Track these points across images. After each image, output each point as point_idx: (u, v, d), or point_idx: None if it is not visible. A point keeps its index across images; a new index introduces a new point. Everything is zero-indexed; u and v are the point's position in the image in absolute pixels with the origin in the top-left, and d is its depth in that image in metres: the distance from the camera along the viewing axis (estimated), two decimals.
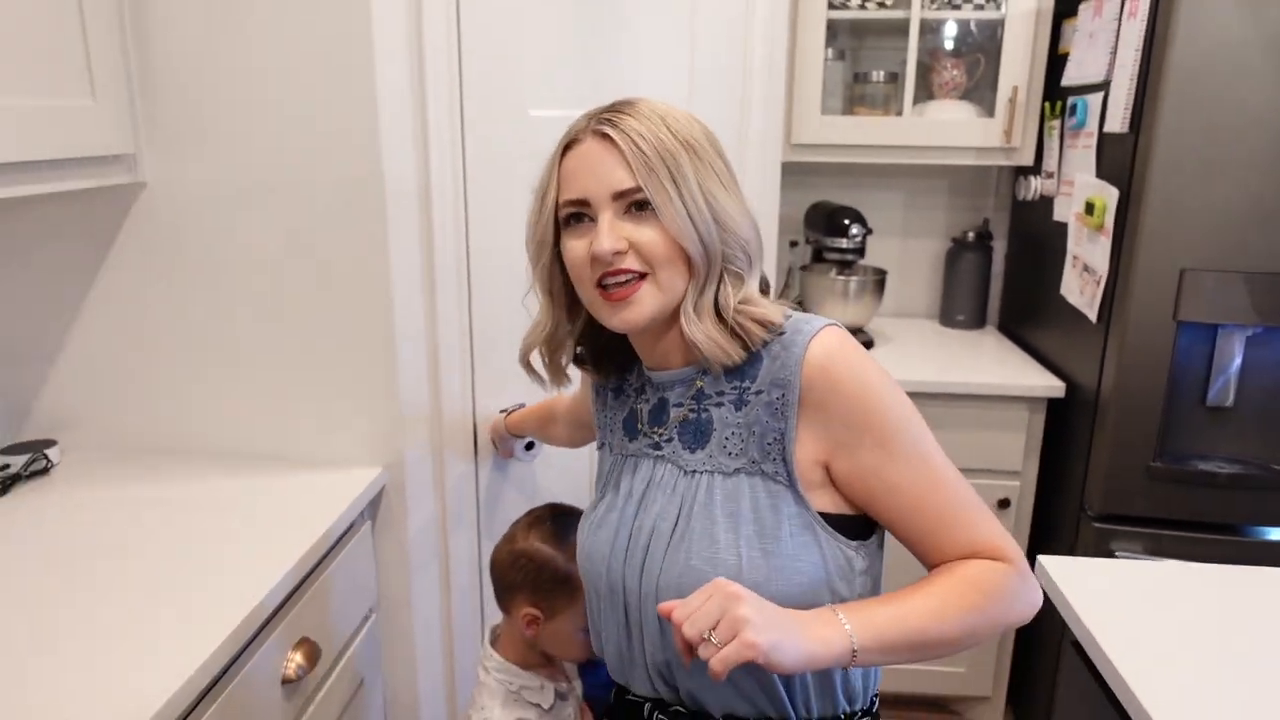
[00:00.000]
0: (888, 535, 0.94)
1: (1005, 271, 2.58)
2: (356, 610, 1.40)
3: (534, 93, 1.49)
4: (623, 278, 0.86)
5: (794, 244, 2.58)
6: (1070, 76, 2.02)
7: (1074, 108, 1.98)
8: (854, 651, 0.78)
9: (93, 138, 1.23)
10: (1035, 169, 2.26)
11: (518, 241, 1.41)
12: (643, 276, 0.86)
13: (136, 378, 1.45)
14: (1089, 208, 1.87)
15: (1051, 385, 2.03)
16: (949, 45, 2.37)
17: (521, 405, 1.51)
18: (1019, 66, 2.18)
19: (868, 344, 2.33)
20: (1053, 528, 2.08)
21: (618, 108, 0.88)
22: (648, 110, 0.87)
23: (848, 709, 0.94)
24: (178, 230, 1.38)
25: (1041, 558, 1.22)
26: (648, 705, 0.97)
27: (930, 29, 2.34)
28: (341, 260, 1.37)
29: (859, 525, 0.90)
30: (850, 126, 2.29)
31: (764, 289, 0.96)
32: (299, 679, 1.15)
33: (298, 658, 1.15)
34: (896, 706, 2.33)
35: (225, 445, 1.47)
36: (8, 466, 1.36)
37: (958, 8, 2.26)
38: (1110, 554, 1.81)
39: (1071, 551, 1.93)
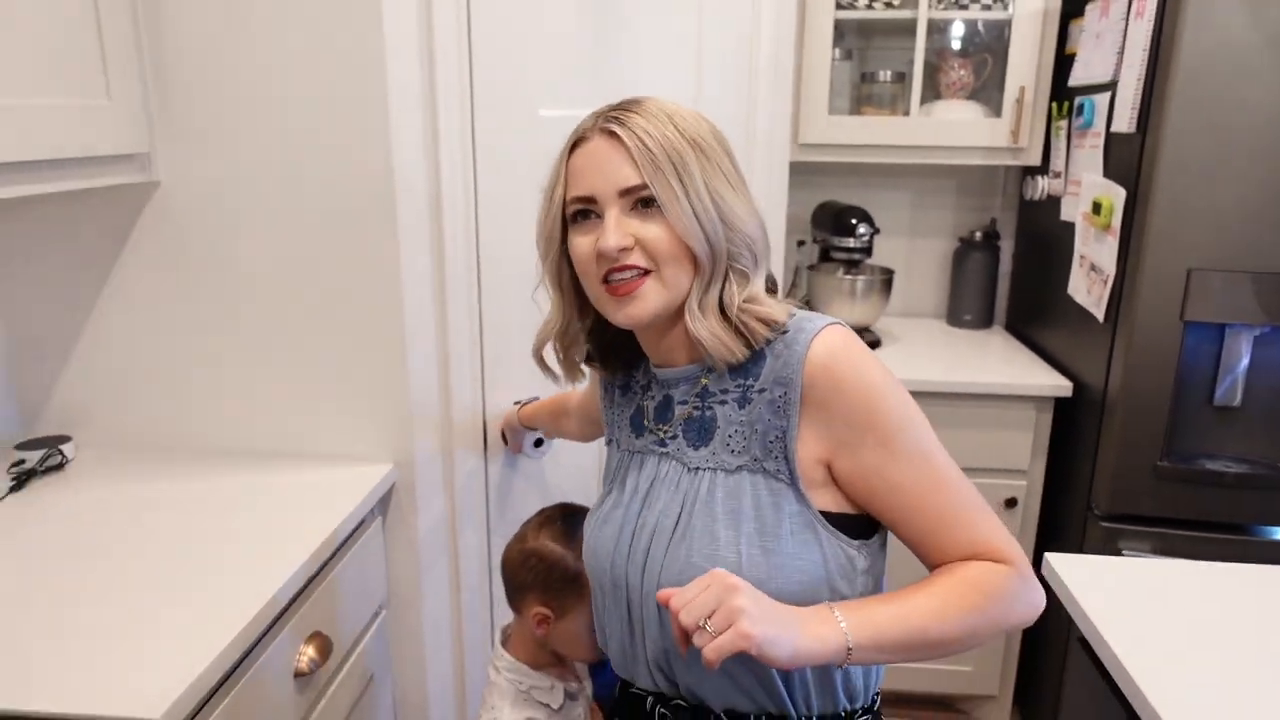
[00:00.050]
0: (891, 535, 0.94)
1: (1012, 271, 2.58)
2: (367, 606, 1.41)
3: (543, 94, 1.50)
4: (627, 274, 0.87)
5: (801, 243, 2.58)
6: (1077, 77, 2.02)
7: (1081, 108, 1.98)
8: (849, 650, 0.79)
9: (108, 137, 1.24)
10: (1042, 169, 2.26)
11: (527, 239, 1.42)
12: (647, 273, 0.87)
13: (150, 375, 1.47)
14: (1096, 207, 1.87)
15: (1059, 385, 2.03)
16: (956, 45, 2.38)
17: (536, 398, 1.52)
18: (1026, 67, 2.19)
19: (875, 343, 2.34)
20: (1060, 527, 2.08)
21: (625, 106, 0.89)
22: (655, 109, 0.88)
23: (848, 707, 0.94)
24: (190, 229, 1.39)
25: (1048, 555, 1.22)
26: (650, 699, 0.98)
27: (937, 29, 2.34)
28: (353, 258, 1.38)
29: (861, 524, 0.90)
30: (857, 126, 2.30)
31: (771, 288, 0.96)
32: (311, 672, 1.16)
33: (310, 651, 1.17)
34: (903, 705, 2.34)
35: (237, 442, 1.48)
36: (23, 462, 1.37)
37: (965, 8, 2.26)
38: (1117, 553, 1.82)
39: (1079, 551, 1.93)
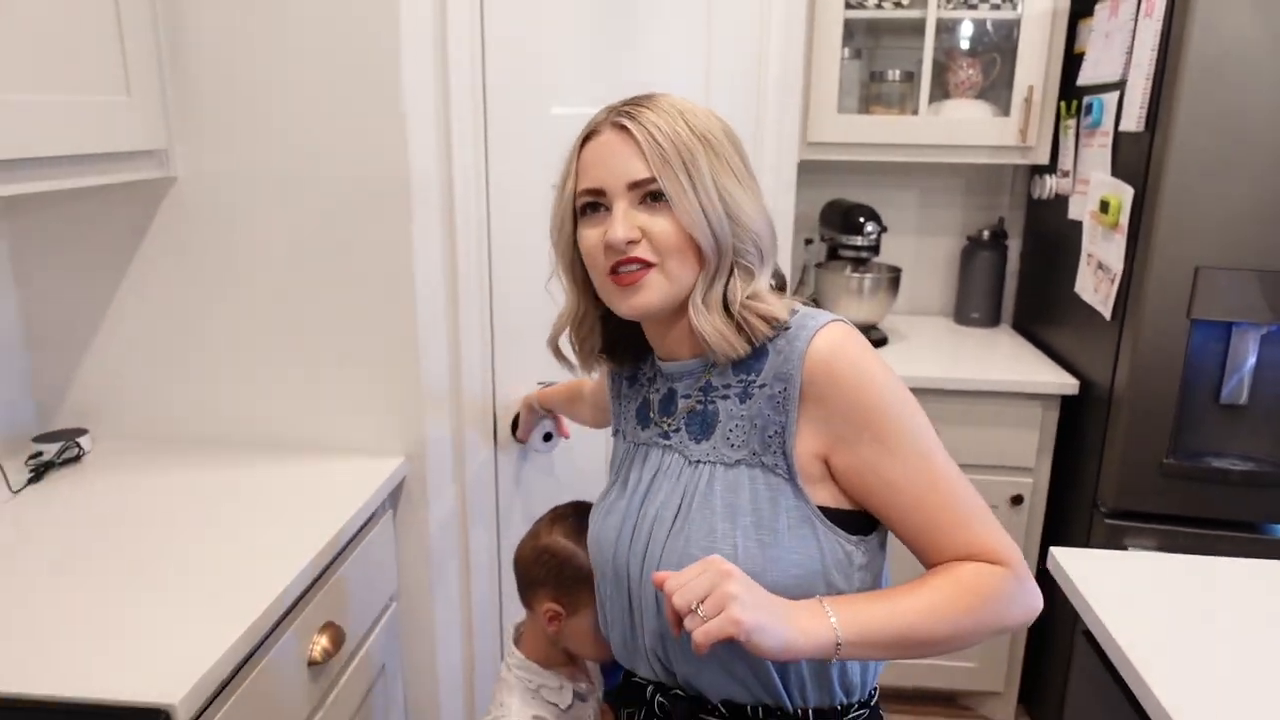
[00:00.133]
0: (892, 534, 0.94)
1: (1020, 270, 2.59)
2: (378, 598, 1.43)
3: (555, 92, 1.52)
4: (632, 266, 0.88)
5: (809, 242, 2.59)
6: (1086, 76, 2.03)
7: (1089, 107, 1.98)
8: (837, 645, 0.79)
9: (127, 133, 1.26)
10: (1050, 168, 2.27)
11: (539, 236, 1.43)
12: (651, 266, 0.88)
13: (165, 368, 1.49)
14: (1104, 206, 1.88)
15: (1065, 382, 2.04)
16: (965, 45, 2.38)
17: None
18: (1035, 66, 2.19)
19: (881, 341, 2.34)
20: (1066, 524, 2.09)
21: (637, 101, 0.90)
22: (666, 104, 0.89)
23: (845, 700, 0.94)
24: (207, 223, 1.41)
25: (1054, 549, 1.23)
26: (650, 688, 0.99)
27: (946, 28, 2.35)
28: (366, 253, 1.40)
29: (859, 520, 0.91)
30: (866, 125, 2.31)
31: (780, 285, 0.97)
32: (324, 662, 1.18)
33: (323, 641, 1.18)
34: (907, 701, 2.35)
35: (251, 435, 1.50)
36: (41, 454, 1.39)
37: (974, 7, 2.27)
38: (1123, 550, 1.82)
39: (1084, 547, 1.94)
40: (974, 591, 0.85)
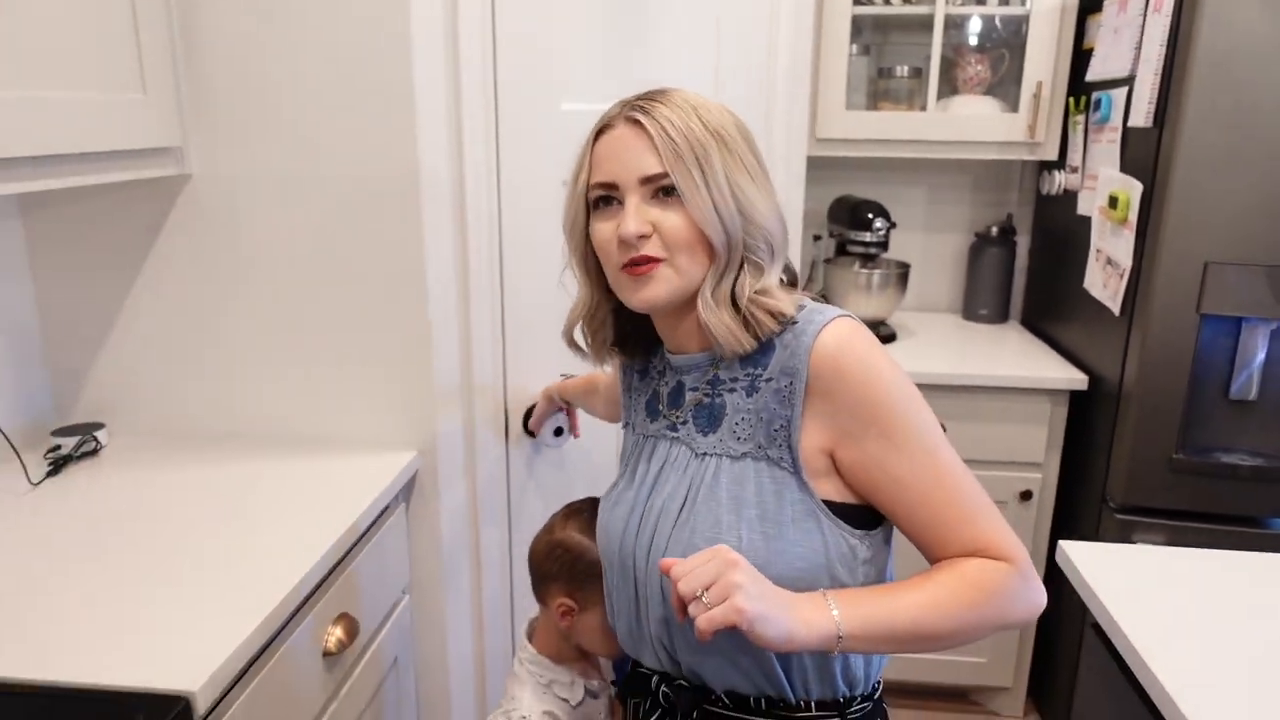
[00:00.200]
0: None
1: (1029, 266, 2.59)
2: (391, 590, 1.44)
3: (565, 87, 1.53)
4: (644, 261, 0.89)
5: (818, 238, 2.60)
6: (1095, 71, 2.03)
7: (1098, 102, 1.99)
8: (839, 637, 0.80)
9: (143, 131, 1.28)
10: (1059, 163, 2.27)
11: (549, 232, 1.44)
12: (661, 260, 0.89)
13: (180, 363, 1.50)
14: (1113, 201, 1.88)
15: (1074, 378, 2.04)
16: (973, 40, 2.38)
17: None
18: (1043, 62, 2.19)
19: (890, 337, 2.35)
20: (1074, 519, 2.09)
21: (652, 96, 0.90)
22: (680, 100, 0.89)
23: (847, 693, 0.95)
24: (221, 220, 1.42)
25: (1062, 543, 1.24)
26: (655, 678, 1.00)
27: (955, 24, 2.35)
28: (378, 250, 1.41)
29: (864, 515, 0.91)
30: (874, 121, 2.31)
31: (791, 281, 0.98)
32: (339, 652, 1.19)
33: (338, 632, 1.20)
34: (915, 696, 2.35)
35: (265, 429, 1.52)
36: (59, 448, 1.41)
37: (982, 3, 2.27)
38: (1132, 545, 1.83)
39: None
40: (978, 587, 0.85)
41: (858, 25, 2.29)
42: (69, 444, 1.42)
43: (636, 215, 0.88)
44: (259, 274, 1.45)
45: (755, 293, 0.90)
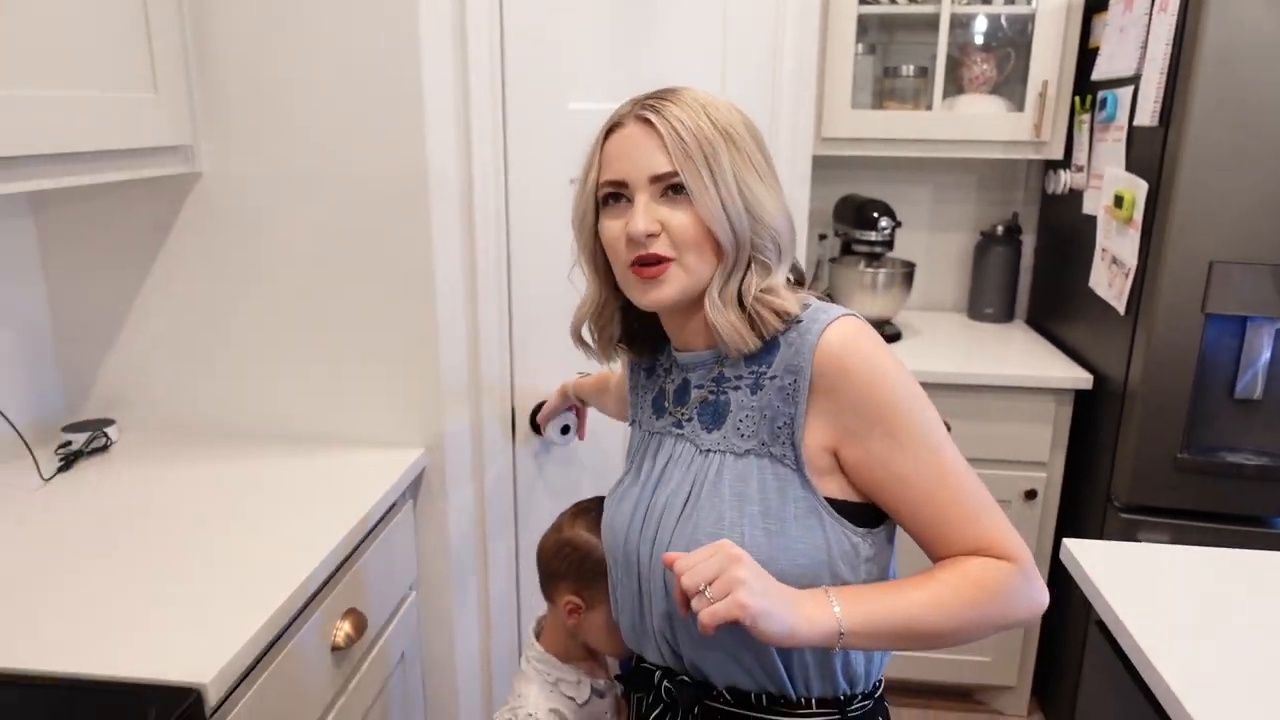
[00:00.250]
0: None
1: (1034, 265, 2.59)
2: (398, 586, 1.45)
3: (573, 84, 1.54)
4: (653, 260, 0.89)
5: (823, 237, 2.60)
6: (1100, 70, 2.03)
7: (1104, 101, 1.99)
8: (841, 634, 0.81)
9: (154, 129, 1.29)
10: (1065, 163, 2.27)
11: (557, 229, 1.44)
12: (670, 260, 0.89)
13: (190, 360, 1.52)
14: (1118, 201, 1.88)
15: (1079, 377, 2.05)
16: (979, 40, 2.39)
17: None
18: (1049, 61, 2.19)
19: (895, 336, 2.35)
20: (1079, 519, 2.09)
21: (662, 95, 0.91)
22: (690, 99, 0.90)
23: (848, 691, 0.95)
24: (231, 218, 1.44)
25: (1067, 541, 1.24)
26: (658, 673, 1.01)
27: (960, 23, 2.35)
28: (386, 247, 1.42)
29: (867, 513, 0.91)
30: (880, 120, 2.31)
31: (799, 281, 0.98)
32: (347, 647, 1.20)
33: (346, 627, 1.21)
34: (919, 695, 2.36)
35: (274, 426, 1.53)
36: (70, 443, 1.42)
37: (988, 2, 2.27)
38: None
39: None
40: (980, 586, 0.85)
41: (863, 24, 2.29)
42: (79, 440, 1.43)
43: (645, 213, 0.88)
44: (268, 272, 1.46)
45: (761, 291, 0.90)
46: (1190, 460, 1.79)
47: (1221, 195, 1.67)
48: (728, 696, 0.95)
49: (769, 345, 0.92)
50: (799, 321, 0.90)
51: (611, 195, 0.92)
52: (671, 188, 0.89)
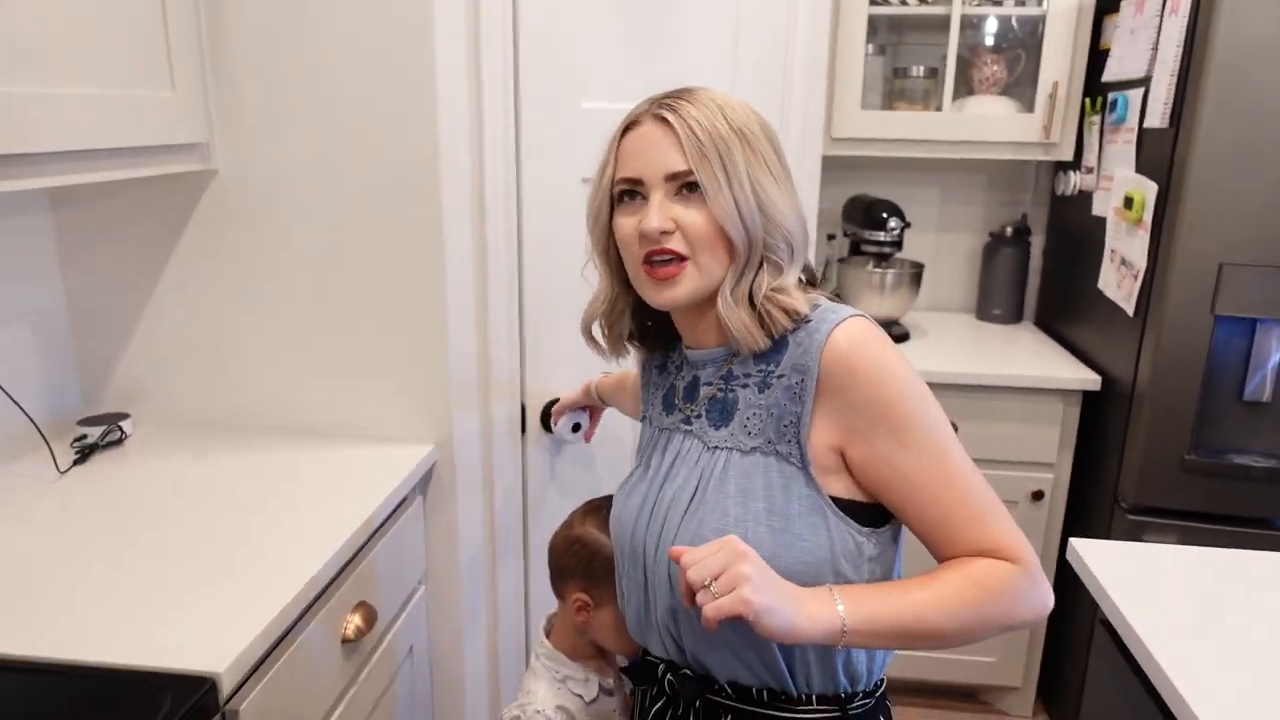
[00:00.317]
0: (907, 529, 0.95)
1: (1043, 266, 2.59)
2: (408, 581, 1.46)
3: (585, 86, 1.55)
4: (666, 256, 0.90)
5: (831, 237, 2.61)
6: (1111, 72, 2.03)
7: (1114, 103, 1.99)
8: (843, 632, 0.81)
9: (171, 127, 1.31)
10: (1074, 164, 2.27)
11: (570, 228, 1.46)
12: (684, 259, 0.90)
13: (204, 355, 1.53)
14: (1128, 202, 1.88)
15: (1086, 378, 2.05)
16: (989, 41, 2.39)
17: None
18: (1060, 62, 2.19)
19: (903, 337, 2.36)
20: (1086, 520, 2.09)
21: (679, 94, 0.92)
22: (707, 99, 0.91)
23: (849, 689, 0.96)
24: (245, 215, 1.45)
25: (1073, 540, 1.24)
26: (662, 666, 1.02)
27: (971, 24, 2.36)
28: (398, 244, 1.43)
29: (872, 513, 0.92)
30: (890, 121, 2.32)
31: (812, 281, 0.99)
32: (357, 640, 1.21)
33: (356, 619, 1.22)
34: (924, 695, 2.36)
35: (286, 421, 1.54)
36: (85, 436, 1.44)
37: (999, 4, 2.28)
38: None
39: None
40: (983, 586, 0.86)
41: (874, 25, 2.30)
42: (95, 433, 1.45)
43: (660, 211, 0.89)
44: (281, 268, 1.47)
45: (771, 290, 0.91)
46: (1198, 462, 1.79)
47: (1231, 197, 1.67)
48: (729, 691, 0.96)
49: (778, 344, 0.92)
50: (808, 321, 0.91)
51: (627, 192, 0.93)
52: (686, 186, 0.90)
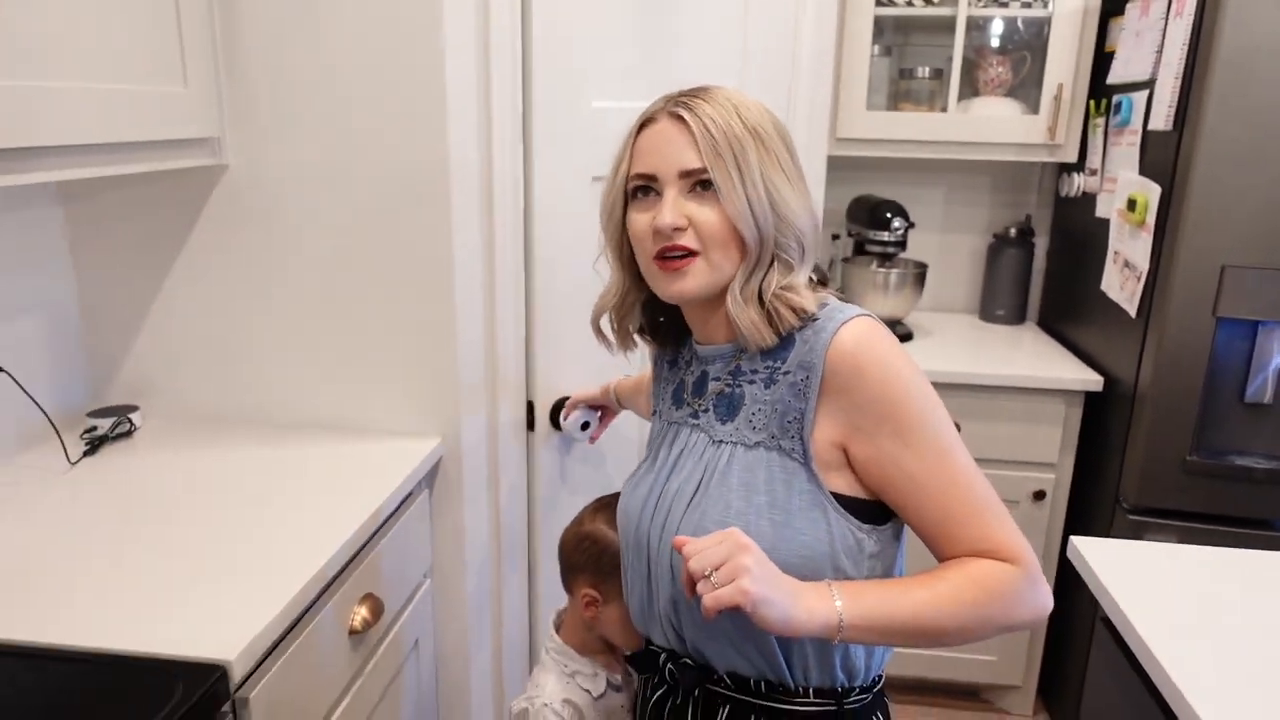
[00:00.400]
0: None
1: (1046, 267, 2.60)
2: (414, 574, 1.47)
3: (596, 86, 1.56)
4: (678, 253, 0.92)
5: (836, 237, 2.62)
6: (1116, 74, 2.04)
7: (1119, 105, 2.00)
8: (839, 626, 0.82)
9: (184, 122, 1.32)
10: (1078, 166, 2.28)
11: (580, 226, 1.47)
12: (695, 254, 0.92)
13: (213, 349, 1.54)
14: (1131, 204, 1.89)
15: (1089, 379, 2.06)
16: (995, 42, 2.39)
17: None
18: (1065, 64, 2.20)
19: (906, 336, 2.37)
20: (1088, 520, 2.10)
21: (695, 93, 0.93)
22: (722, 98, 0.92)
23: (846, 684, 0.96)
24: (255, 210, 1.46)
25: (1074, 539, 1.25)
26: (663, 656, 1.04)
27: (977, 26, 2.36)
28: (407, 239, 1.44)
29: (874, 511, 0.93)
30: (895, 122, 2.33)
31: (822, 281, 1.00)
32: (363, 631, 1.23)
33: (363, 611, 1.23)
34: (925, 693, 2.37)
35: (293, 414, 1.55)
36: (95, 428, 1.45)
37: (1004, 5, 2.28)
38: None
39: None
40: (982, 587, 0.87)
41: (880, 26, 2.30)
42: (105, 425, 1.46)
43: (673, 207, 0.91)
44: (291, 263, 1.48)
45: (780, 288, 0.92)
46: (1199, 463, 1.80)
47: (1234, 199, 1.68)
48: (728, 681, 0.98)
49: (785, 341, 0.93)
50: (815, 319, 0.92)
51: (641, 188, 0.95)
52: (700, 184, 0.91)
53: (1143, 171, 1.89)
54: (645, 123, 0.95)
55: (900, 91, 2.43)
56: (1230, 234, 1.69)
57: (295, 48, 1.38)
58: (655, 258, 0.93)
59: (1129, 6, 2.00)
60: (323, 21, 1.36)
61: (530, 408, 1.63)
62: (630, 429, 1.74)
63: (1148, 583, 1.14)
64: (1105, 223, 2.08)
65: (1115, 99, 2.03)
